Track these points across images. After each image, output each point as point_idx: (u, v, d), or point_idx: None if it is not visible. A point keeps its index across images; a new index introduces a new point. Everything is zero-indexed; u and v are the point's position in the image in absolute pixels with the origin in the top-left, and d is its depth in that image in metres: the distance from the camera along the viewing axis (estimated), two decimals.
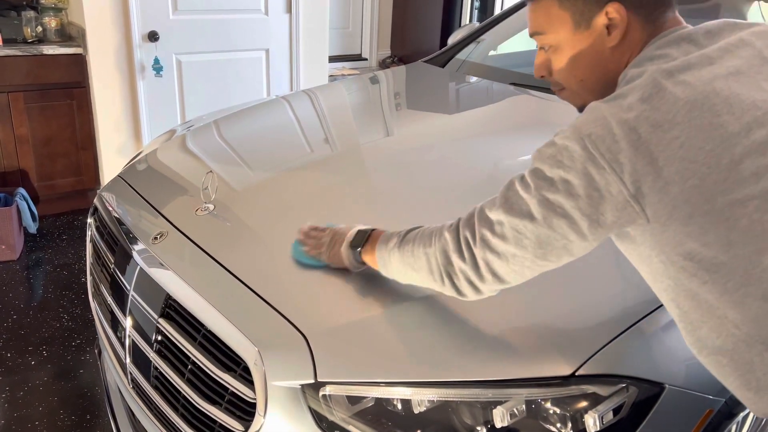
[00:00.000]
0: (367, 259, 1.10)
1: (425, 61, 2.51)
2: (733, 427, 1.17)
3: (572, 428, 0.95)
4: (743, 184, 0.74)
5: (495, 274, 0.89)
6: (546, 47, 0.95)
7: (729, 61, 0.80)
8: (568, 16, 0.89)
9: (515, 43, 2.60)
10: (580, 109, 0.97)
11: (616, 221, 0.80)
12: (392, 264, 1.03)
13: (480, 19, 5.80)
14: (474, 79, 2.26)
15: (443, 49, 2.57)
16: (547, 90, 1.99)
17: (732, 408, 1.12)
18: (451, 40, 2.62)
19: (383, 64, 6.49)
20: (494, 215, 0.87)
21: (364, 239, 1.10)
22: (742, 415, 1.16)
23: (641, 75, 0.80)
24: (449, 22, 5.87)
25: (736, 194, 0.74)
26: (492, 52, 2.55)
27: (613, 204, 0.78)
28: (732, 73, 0.79)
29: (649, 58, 0.84)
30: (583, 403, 0.95)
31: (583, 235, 0.82)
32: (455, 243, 0.92)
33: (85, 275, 2.82)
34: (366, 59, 6.52)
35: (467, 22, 5.85)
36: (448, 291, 0.96)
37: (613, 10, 0.86)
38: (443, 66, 2.42)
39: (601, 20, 0.87)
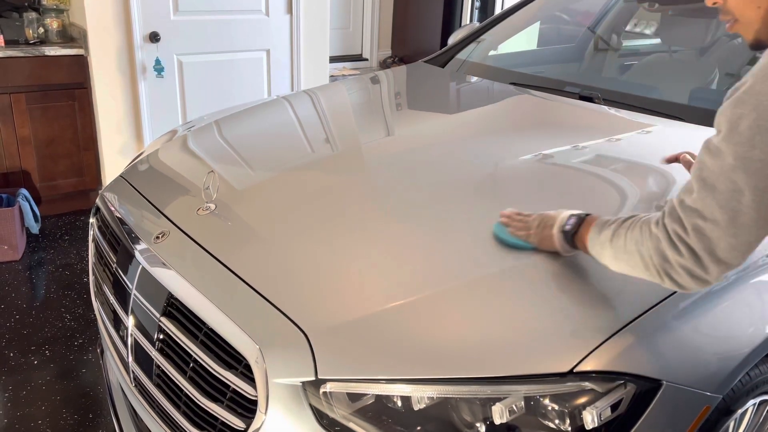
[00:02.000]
0: (579, 244, 1.10)
1: (426, 61, 2.52)
2: (731, 424, 1.17)
3: (570, 424, 0.96)
4: None
5: (718, 260, 0.86)
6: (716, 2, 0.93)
7: None
8: None
9: (515, 42, 2.61)
10: (753, 46, 0.94)
11: None
12: (605, 257, 1.03)
13: (480, 19, 5.80)
14: (474, 78, 2.26)
15: (444, 49, 2.57)
16: (547, 89, 2.00)
17: (730, 404, 1.13)
18: (452, 40, 2.62)
19: (384, 64, 6.49)
20: (698, 201, 0.85)
21: (578, 224, 1.10)
22: (740, 411, 1.17)
23: None
24: (450, 22, 5.87)
25: None
26: (492, 52, 2.55)
27: None
28: None
29: None
30: (582, 400, 0.96)
31: None
32: (667, 240, 0.90)
33: (87, 275, 2.83)
34: (366, 59, 6.52)
35: (468, 21, 5.86)
36: (668, 286, 0.94)
37: None
38: (444, 66, 2.43)
39: None
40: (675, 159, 1.35)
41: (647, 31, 2.47)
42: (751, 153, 0.80)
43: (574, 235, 1.10)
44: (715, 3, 0.95)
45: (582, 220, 1.10)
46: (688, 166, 1.31)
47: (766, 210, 0.81)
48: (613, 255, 1.01)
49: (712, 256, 0.86)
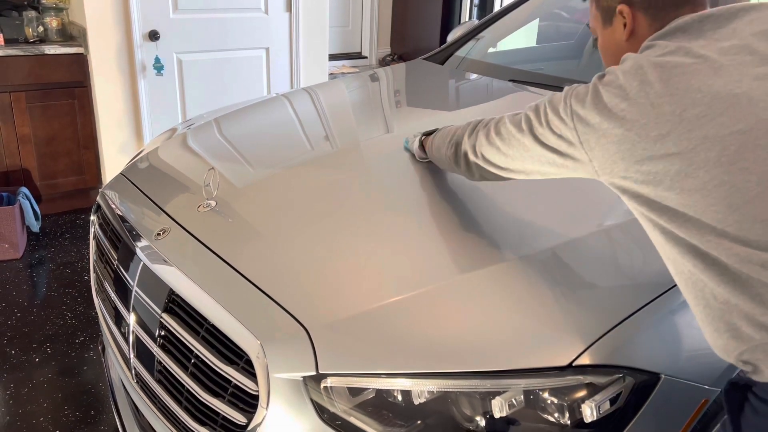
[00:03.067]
0: (426, 145, 1.43)
1: (425, 59, 2.52)
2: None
3: (570, 418, 0.96)
4: (665, 156, 0.86)
5: (483, 157, 1.13)
6: (596, 39, 1.16)
7: (705, 50, 0.89)
8: (599, 14, 1.10)
9: (514, 40, 2.61)
10: None
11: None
12: (434, 140, 1.35)
13: (479, 17, 5.80)
14: (473, 76, 2.27)
15: (443, 47, 2.58)
16: (545, 86, 2.01)
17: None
18: (451, 37, 2.63)
19: (383, 62, 6.50)
20: (508, 118, 1.08)
21: (430, 132, 1.44)
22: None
23: (628, 59, 0.94)
24: (449, 20, 5.88)
25: (657, 163, 0.86)
26: (491, 49, 2.56)
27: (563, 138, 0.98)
28: (698, 62, 0.88)
29: (643, 48, 0.97)
30: (581, 393, 0.96)
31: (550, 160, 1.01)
32: (472, 127, 1.18)
33: (88, 273, 2.84)
34: (366, 57, 6.53)
35: (467, 19, 5.86)
36: (451, 159, 1.24)
37: (623, 9, 1.03)
38: (443, 63, 2.43)
39: (617, 19, 1.05)
40: None
41: None
42: (537, 127, 1.01)
43: (424, 139, 1.45)
44: (594, 33, 1.15)
45: (436, 130, 1.40)
46: None
47: (521, 152, 1.04)
48: (439, 139, 1.31)
49: (480, 149, 1.13)
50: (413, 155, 1.52)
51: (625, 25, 1.04)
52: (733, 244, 0.82)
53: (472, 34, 2.54)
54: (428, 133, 1.45)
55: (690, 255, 0.87)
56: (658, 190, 0.87)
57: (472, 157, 1.16)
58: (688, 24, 0.94)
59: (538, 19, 2.87)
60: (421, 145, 1.46)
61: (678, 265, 0.91)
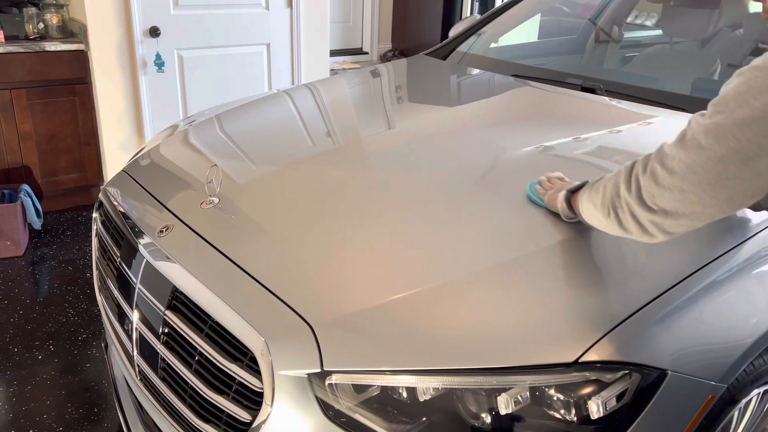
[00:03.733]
0: (574, 205, 1.12)
1: (426, 54, 2.51)
2: (735, 413, 1.18)
3: (576, 414, 0.96)
4: None
5: (660, 207, 0.85)
6: None
7: None
8: None
9: (516, 34, 2.60)
10: None
11: None
12: (584, 203, 1.06)
13: (481, 12, 5.79)
14: (475, 71, 2.26)
15: (444, 42, 2.57)
16: (548, 81, 2.00)
17: (734, 394, 1.13)
18: (452, 32, 2.62)
19: (384, 58, 6.48)
20: (670, 149, 0.85)
21: (580, 186, 1.12)
22: (744, 401, 1.17)
23: None
24: (450, 15, 5.86)
25: None
26: (493, 44, 2.55)
27: None
28: None
29: None
30: (587, 390, 0.96)
31: (759, 173, 0.78)
32: (627, 176, 0.92)
33: (90, 270, 2.84)
34: (367, 53, 6.51)
35: (468, 14, 5.85)
36: (613, 226, 0.96)
37: None
38: (444, 58, 2.42)
39: None
40: None
41: (648, 23, 2.46)
42: (724, 120, 0.78)
43: (571, 196, 1.13)
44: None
45: (585, 183, 1.11)
46: None
47: (714, 177, 0.79)
48: (588, 196, 1.03)
49: (653, 201, 0.85)
50: (555, 214, 1.23)
51: None
52: None
53: (473, 29, 2.53)
54: (575, 189, 1.14)
55: None
56: None
57: (645, 215, 0.88)
58: None
59: (539, 14, 2.86)
60: (568, 203, 1.15)
61: None
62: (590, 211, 1.03)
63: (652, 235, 0.90)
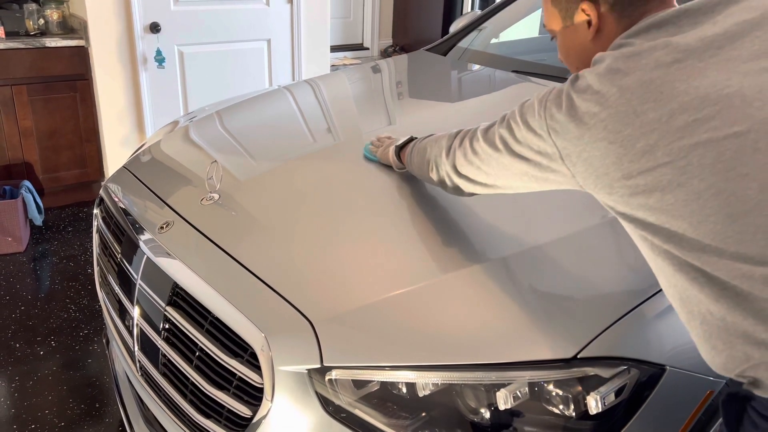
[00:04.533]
0: (403, 157, 1.36)
1: (427, 50, 2.51)
2: None
3: (574, 410, 0.96)
4: (657, 163, 0.79)
5: (465, 176, 1.07)
6: (553, 37, 1.07)
7: (686, 42, 0.82)
8: (557, 11, 1.01)
9: (517, 30, 2.60)
10: None
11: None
12: (412, 157, 1.28)
13: (482, 7, 5.77)
14: (476, 67, 2.26)
15: (445, 38, 2.56)
16: (548, 77, 2.00)
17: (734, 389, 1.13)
18: (453, 28, 2.61)
19: (385, 53, 6.47)
20: (481, 134, 1.03)
21: (406, 142, 1.36)
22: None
23: (602, 60, 0.86)
24: (451, 11, 5.85)
25: (647, 176, 0.80)
26: (494, 40, 2.54)
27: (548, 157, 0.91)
28: (679, 59, 0.81)
29: (614, 47, 0.89)
30: (585, 385, 0.96)
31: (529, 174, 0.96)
32: (449, 143, 1.12)
33: (91, 266, 2.84)
34: (368, 48, 6.51)
35: (469, 10, 5.84)
36: (435, 179, 1.17)
37: (586, 7, 0.95)
38: (445, 54, 2.42)
39: (579, 16, 0.97)
40: None
41: None
42: (516, 131, 0.94)
43: (401, 149, 1.36)
44: (562, 60, 1.07)
45: (412, 139, 1.35)
46: None
47: (503, 169, 0.98)
48: (416, 152, 1.24)
49: (461, 168, 1.07)
50: (380, 163, 1.48)
51: (589, 24, 0.96)
52: (733, 259, 0.76)
53: (474, 24, 2.53)
54: (403, 145, 1.37)
55: (684, 271, 0.81)
56: (649, 202, 0.80)
57: (456, 178, 1.10)
58: (663, 20, 0.86)
59: (540, 9, 2.85)
60: (398, 156, 1.38)
61: (671, 281, 0.85)
62: (418, 163, 1.24)
63: (462, 192, 1.12)
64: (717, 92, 0.78)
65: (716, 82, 0.78)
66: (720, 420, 1.09)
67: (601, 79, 0.83)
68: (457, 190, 1.13)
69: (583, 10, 0.95)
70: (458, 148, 1.08)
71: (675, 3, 0.93)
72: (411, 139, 1.36)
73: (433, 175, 1.17)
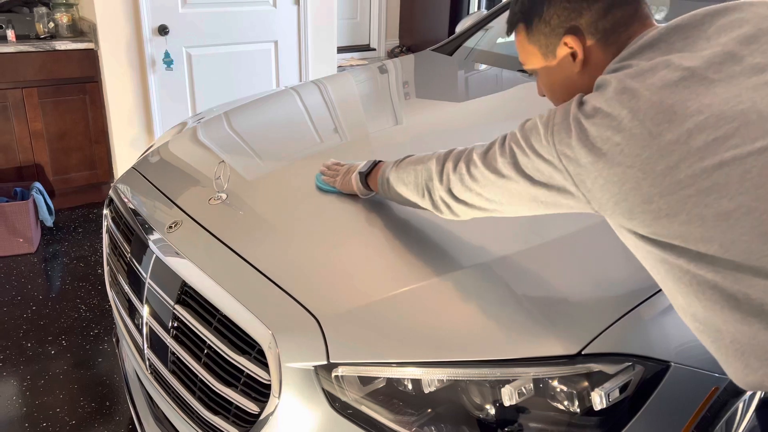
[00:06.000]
0: (372, 183, 1.27)
1: (433, 50, 2.52)
2: (740, 405, 1.18)
3: (579, 406, 0.97)
4: (680, 185, 0.77)
5: (463, 201, 1.02)
6: (532, 74, 1.05)
7: (688, 61, 0.81)
8: (536, 49, 0.98)
9: None
10: None
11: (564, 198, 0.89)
12: (390, 182, 1.18)
13: (488, 7, 5.77)
14: (482, 66, 2.26)
15: (451, 38, 2.57)
16: None
17: (738, 386, 1.13)
18: (459, 28, 2.62)
19: (392, 54, 6.49)
20: (478, 158, 0.98)
21: (372, 166, 1.28)
22: (749, 393, 1.17)
23: (607, 84, 0.84)
24: (457, 11, 5.85)
25: (670, 198, 0.78)
26: (500, 40, 2.55)
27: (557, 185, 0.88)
28: (685, 77, 0.79)
29: (611, 71, 0.88)
30: (590, 381, 0.97)
31: (534, 198, 0.92)
32: (439, 167, 1.05)
33: (101, 267, 2.87)
34: (374, 49, 6.52)
35: (475, 9, 5.83)
36: (427, 205, 1.10)
37: (570, 41, 0.93)
38: (451, 54, 2.43)
39: (562, 50, 0.95)
40: None
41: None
42: (520, 157, 0.90)
43: (368, 176, 1.28)
44: (543, 95, 1.05)
45: (377, 163, 1.28)
46: None
47: (508, 196, 0.94)
48: (395, 176, 1.16)
49: (458, 194, 1.01)
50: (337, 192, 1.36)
51: (574, 56, 0.94)
52: (765, 279, 0.73)
53: (480, 24, 2.54)
54: (368, 170, 1.28)
55: (711, 291, 0.78)
56: (673, 225, 0.77)
57: (453, 203, 1.03)
58: (654, 39, 0.86)
59: None
60: (364, 182, 1.29)
61: (690, 302, 0.82)
62: (401, 189, 1.16)
63: (457, 215, 1.06)
64: (731, 109, 0.76)
65: (727, 99, 0.77)
66: (725, 417, 1.09)
67: (610, 102, 0.80)
68: (454, 215, 1.07)
69: (565, 44, 0.93)
70: (452, 172, 1.02)
71: (654, 22, 0.93)
72: (375, 163, 1.29)
73: (425, 201, 1.10)
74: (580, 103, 0.85)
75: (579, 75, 0.96)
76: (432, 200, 1.08)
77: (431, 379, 0.99)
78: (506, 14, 2.54)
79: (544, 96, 1.06)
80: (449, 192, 1.03)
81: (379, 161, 1.29)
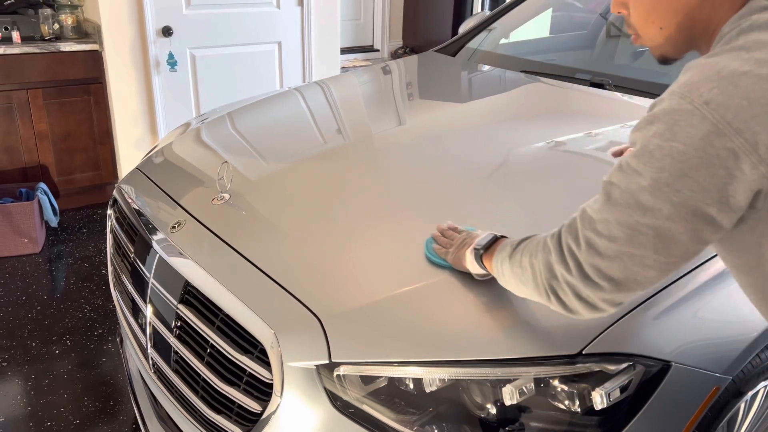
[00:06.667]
0: (487, 265, 1.00)
1: (436, 51, 2.52)
2: (742, 406, 1.18)
3: (580, 405, 0.97)
4: None
5: (610, 279, 0.75)
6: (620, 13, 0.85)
7: None
8: None
9: (527, 30, 2.60)
10: (660, 62, 0.86)
11: (747, 203, 0.67)
12: (505, 275, 0.94)
13: (491, 8, 5.77)
14: (485, 67, 2.27)
15: (454, 38, 2.57)
16: (558, 77, 2.00)
17: (740, 386, 1.14)
18: (463, 28, 2.62)
19: (395, 55, 6.49)
20: (598, 213, 0.75)
21: (490, 243, 1.01)
22: (750, 393, 1.17)
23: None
24: (460, 11, 5.85)
25: None
26: (503, 40, 2.55)
27: (746, 184, 0.66)
28: None
29: (758, 10, 0.69)
30: (591, 381, 0.97)
31: (711, 220, 0.69)
32: (558, 252, 0.80)
33: (105, 267, 2.88)
34: (378, 50, 6.52)
35: (478, 10, 5.83)
36: (557, 308, 0.84)
37: None
38: (454, 55, 2.43)
39: None
40: (621, 153, 1.28)
41: None
42: (659, 175, 0.69)
43: (483, 255, 1.01)
44: (619, 12, 0.84)
45: (496, 239, 1.01)
46: None
47: (666, 237, 0.71)
48: (510, 271, 0.91)
49: (603, 276, 0.75)
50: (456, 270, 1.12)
51: None
52: None
53: (483, 25, 2.54)
54: (488, 245, 1.02)
55: None
56: None
57: (591, 294, 0.78)
58: None
59: (550, 9, 2.85)
60: (480, 260, 1.03)
61: None
62: (518, 288, 0.92)
63: (603, 311, 0.80)
64: None
65: None
66: (726, 417, 1.09)
67: None
68: (599, 309, 0.80)
69: None
70: (578, 249, 0.77)
71: None
72: (495, 238, 1.02)
73: (554, 303, 0.84)
74: (738, 53, 0.67)
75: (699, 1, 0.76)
76: (561, 301, 0.82)
77: (433, 378, 0.99)
78: (508, 15, 2.55)
79: (619, 13, 0.85)
80: (584, 278, 0.77)
81: (501, 236, 1.03)
